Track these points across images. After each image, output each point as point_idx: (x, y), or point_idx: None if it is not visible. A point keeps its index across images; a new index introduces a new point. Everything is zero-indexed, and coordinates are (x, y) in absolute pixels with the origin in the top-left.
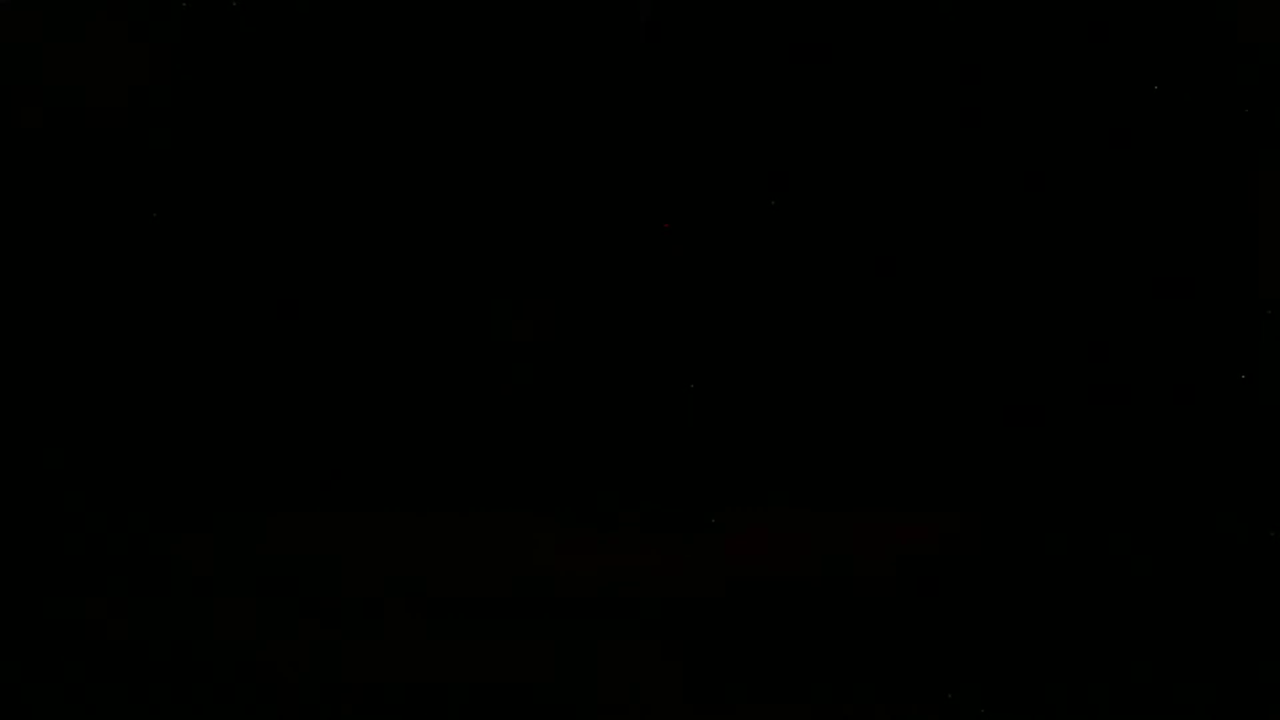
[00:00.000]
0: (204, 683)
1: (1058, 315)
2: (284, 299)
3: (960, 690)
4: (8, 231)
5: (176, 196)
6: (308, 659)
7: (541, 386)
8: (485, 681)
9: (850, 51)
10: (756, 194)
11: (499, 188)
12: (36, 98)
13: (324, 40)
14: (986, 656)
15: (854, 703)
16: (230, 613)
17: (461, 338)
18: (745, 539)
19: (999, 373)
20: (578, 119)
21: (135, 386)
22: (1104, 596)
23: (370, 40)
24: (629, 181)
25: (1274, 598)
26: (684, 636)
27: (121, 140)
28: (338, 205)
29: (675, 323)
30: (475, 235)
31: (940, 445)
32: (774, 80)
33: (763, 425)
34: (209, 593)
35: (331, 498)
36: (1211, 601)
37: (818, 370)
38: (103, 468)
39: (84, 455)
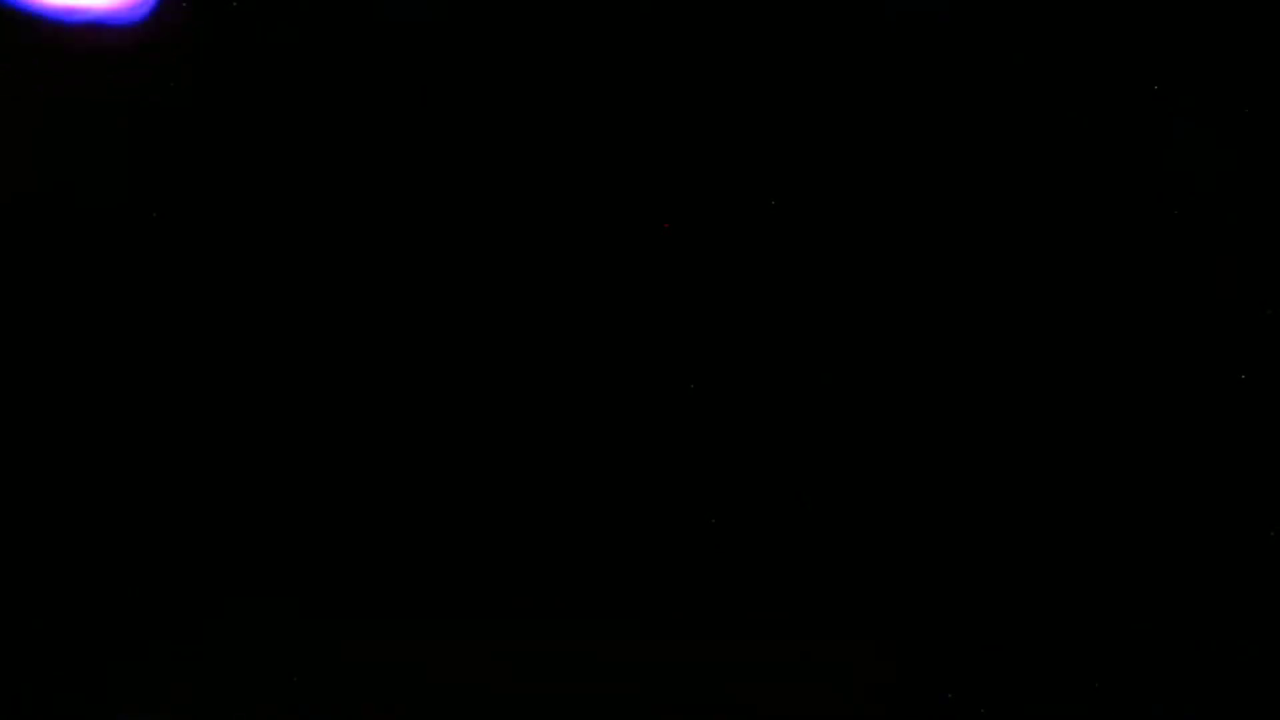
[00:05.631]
0: None
1: (1062, 310)
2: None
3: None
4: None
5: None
6: None
7: (537, 382)
8: None
9: (851, 51)
10: (756, 194)
11: (497, 189)
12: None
13: (324, 39)
14: (987, 657)
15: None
16: None
17: (458, 334)
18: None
19: (1000, 366)
20: (576, 117)
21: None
22: (1102, 595)
23: (369, 40)
24: (629, 181)
25: (1274, 598)
26: None
27: (119, 142)
28: (340, 204)
29: (675, 323)
30: (473, 236)
31: (944, 452)
32: (774, 79)
33: (762, 427)
34: None
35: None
36: (1212, 602)
37: (817, 371)
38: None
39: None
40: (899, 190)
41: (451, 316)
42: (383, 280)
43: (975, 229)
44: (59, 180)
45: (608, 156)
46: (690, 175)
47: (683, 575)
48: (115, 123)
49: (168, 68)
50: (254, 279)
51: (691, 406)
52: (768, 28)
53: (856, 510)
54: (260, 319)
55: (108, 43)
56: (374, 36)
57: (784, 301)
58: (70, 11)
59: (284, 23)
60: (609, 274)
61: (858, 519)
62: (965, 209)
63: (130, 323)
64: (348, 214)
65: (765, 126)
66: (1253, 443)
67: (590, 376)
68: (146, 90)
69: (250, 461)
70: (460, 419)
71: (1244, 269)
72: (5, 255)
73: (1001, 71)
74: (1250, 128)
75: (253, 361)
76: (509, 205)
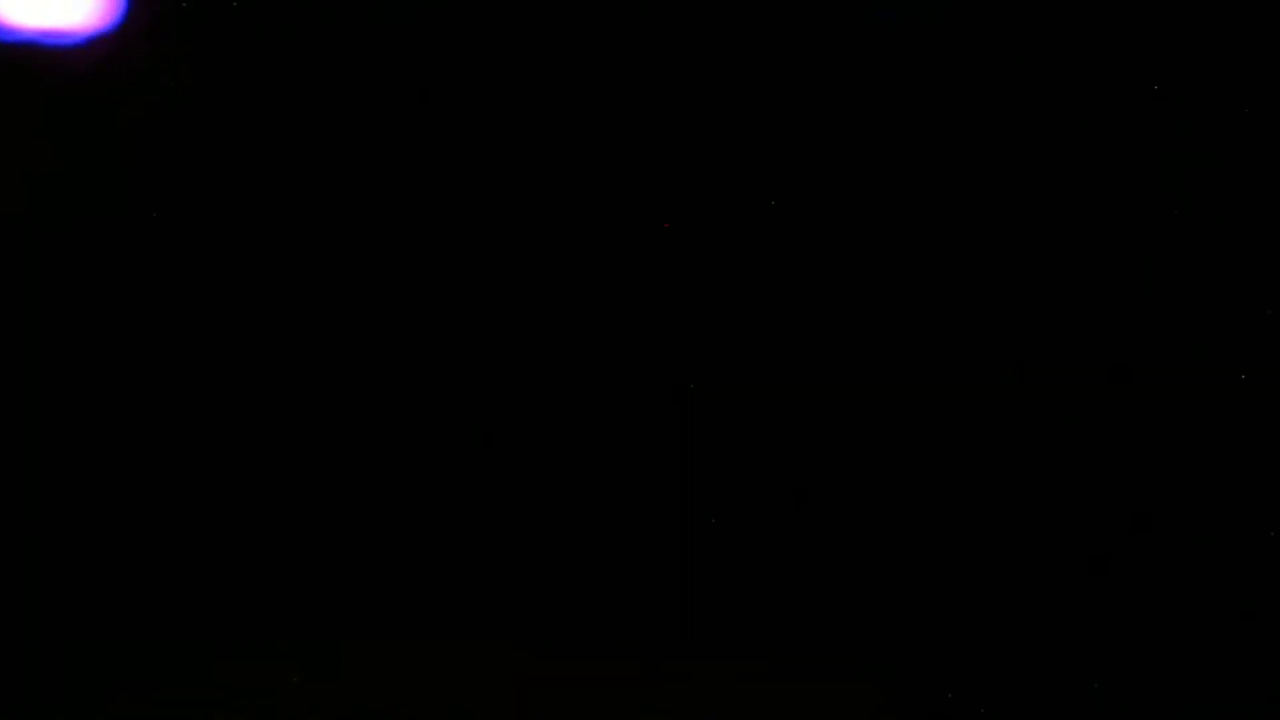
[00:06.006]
0: None
1: (1062, 310)
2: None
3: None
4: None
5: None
6: None
7: (536, 386)
8: None
9: (850, 51)
10: (756, 194)
11: (497, 189)
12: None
13: (324, 39)
14: (986, 656)
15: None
16: None
17: (457, 333)
18: None
19: (999, 366)
20: (577, 117)
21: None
22: (1103, 594)
23: (369, 39)
24: (629, 181)
25: (1274, 597)
26: None
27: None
28: (341, 199)
29: (676, 322)
30: (472, 236)
31: (943, 437)
32: (774, 79)
33: (761, 427)
34: None
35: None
36: (1212, 602)
37: (816, 369)
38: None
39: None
40: (899, 190)
41: (450, 317)
42: (382, 280)
43: (975, 228)
44: (59, 182)
45: (607, 156)
46: (690, 175)
47: (682, 579)
48: (115, 124)
49: (153, 70)
50: (252, 278)
51: (692, 406)
52: (767, 28)
53: (855, 512)
54: (260, 319)
55: (86, 57)
56: (373, 36)
57: (783, 301)
58: (45, 33)
59: (284, 23)
60: (609, 274)
61: (857, 521)
62: (965, 209)
63: (129, 323)
64: (347, 213)
65: (765, 127)
66: (1253, 442)
67: (589, 376)
68: (141, 92)
69: (249, 463)
70: (457, 418)
71: (1244, 269)
72: (6, 254)
73: (1001, 72)
74: (1250, 128)
75: (253, 360)
76: (508, 205)
